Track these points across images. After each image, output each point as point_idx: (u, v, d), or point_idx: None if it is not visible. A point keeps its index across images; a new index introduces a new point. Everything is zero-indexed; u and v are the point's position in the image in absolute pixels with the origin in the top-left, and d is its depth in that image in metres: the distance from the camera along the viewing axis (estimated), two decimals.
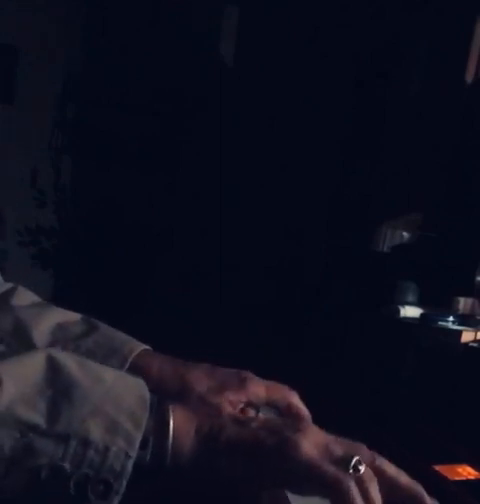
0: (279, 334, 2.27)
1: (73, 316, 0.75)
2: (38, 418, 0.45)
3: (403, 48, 2.13)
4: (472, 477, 0.73)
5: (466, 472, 0.74)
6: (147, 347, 0.73)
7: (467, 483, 0.72)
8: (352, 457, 0.50)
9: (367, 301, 1.81)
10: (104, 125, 3.26)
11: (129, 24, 3.12)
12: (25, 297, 0.77)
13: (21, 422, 0.45)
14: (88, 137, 3.37)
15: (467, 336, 1.36)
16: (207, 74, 2.84)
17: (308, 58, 2.42)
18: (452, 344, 1.34)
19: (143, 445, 0.47)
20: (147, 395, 0.49)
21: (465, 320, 1.48)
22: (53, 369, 0.48)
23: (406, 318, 1.56)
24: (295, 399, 0.70)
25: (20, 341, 0.69)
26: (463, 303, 1.60)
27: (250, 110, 2.63)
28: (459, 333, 1.37)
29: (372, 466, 0.51)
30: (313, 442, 0.50)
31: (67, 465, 0.45)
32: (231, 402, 0.66)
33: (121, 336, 0.73)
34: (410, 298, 1.71)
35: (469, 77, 1.91)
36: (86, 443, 0.45)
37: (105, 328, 0.73)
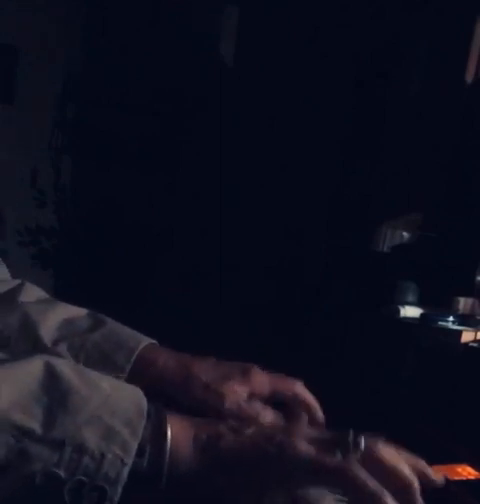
0: (279, 334, 2.27)
1: (80, 311, 0.75)
2: (33, 424, 0.45)
3: (403, 48, 2.13)
4: (472, 477, 0.73)
5: (466, 472, 0.74)
6: (154, 341, 0.73)
7: (467, 483, 0.72)
8: (347, 434, 0.50)
9: (367, 301, 1.81)
10: (104, 125, 3.26)
11: (129, 24, 3.12)
12: (32, 293, 0.77)
13: (16, 427, 0.44)
14: (88, 137, 3.37)
15: (467, 336, 1.36)
16: (207, 74, 2.84)
17: (308, 58, 2.42)
18: (452, 344, 1.35)
19: (140, 453, 0.46)
20: (144, 403, 0.49)
21: (465, 320, 1.48)
22: (50, 376, 0.48)
23: (406, 318, 1.56)
24: (301, 389, 0.70)
25: (27, 337, 0.69)
26: (463, 303, 1.61)
27: (250, 110, 2.63)
28: (459, 333, 1.37)
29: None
30: (308, 438, 0.50)
31: (62, 471, 0.44)
32: (235, 392, 0.66)
33: (128, 330, 0.73)
34: (410, 298, 1.72)
35: (469, 77, 1.91)
36: (81, 450, 0.45)
37: (112, 323, 0.73)
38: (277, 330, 2.32)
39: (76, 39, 3.41)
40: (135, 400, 0.49)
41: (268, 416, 0.68)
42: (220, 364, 0.70)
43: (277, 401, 0.70)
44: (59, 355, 0.67)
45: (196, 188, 2.89)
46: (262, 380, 0.69)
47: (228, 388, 0.66)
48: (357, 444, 0.49)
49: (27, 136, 3.27)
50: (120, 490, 0.45)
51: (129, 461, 0.45)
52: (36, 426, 0.45)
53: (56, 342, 0.69)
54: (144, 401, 0.49)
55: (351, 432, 0.50)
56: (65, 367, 0.49)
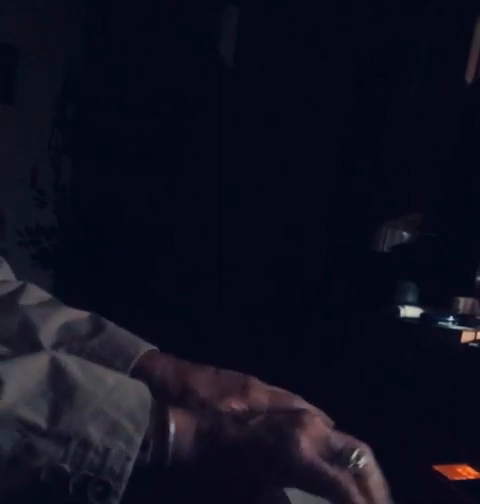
0: (279, 334, 2.27)
1: (81, 315, 0.74)
2: (39, 419, 0.45)
3: (403, 48, 2.13)
4: (472, 477, 0.73)
5: (466, 472, 0.74)
6: (154, 348, 0.72)
7: (467, 483, 0.72)
8: (352, 450, 0.50)
9: (367, 301, 1.81)
10: (104, 125, 3.26)
11: (129, 24, 3.12)
12: (34, 295, 0.77)
13: (22, 422, 0.45)
14: (88, 137, 3.37)
15: (467, 336, 1.36)
16: (207, 74, 2.85)
17: (308, 58, 2.42)
18: (452, 344, 1.34)
19: (143, 447, 0.47)
20: (148, 398, 0.50)
21: (465, 320, 1.48)
22: (55, 371, 0.48)
23: (406, 318, 1.56)
24: (299, 404, 0.69)
25: (26, 340, 0.68)
26: (463, 303, 1.61)
27: (250, 110, 2.63)
28: (459, 333, 1.37)
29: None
30: (313, 437, 0.50)
31: (67, 466, 0.45)
32: (232, 409, 0.65)
33: (128, 336, 0.72)
34: (410, 298, 1.71)
35: (469, 77, 1.91)
36: (86, 444, 0.45)
37: (112, 328, 0.73)
38: (277, 330, 2.32)
39: (76, 39, 3.41)
40: (139, 395, 0.50)
41: None
42: (219, 376, 0.69)
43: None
44: None
45: (196, 188, 2.89)
46: (261, 396, 0.68)
47: (225, 405, 0.65)
48: (358, 463, 0.50)
49: (27, 136, 3.27)
50: (124, 484, 0.46)
51: (133, 456, 0.46)
52: (42, 421, 0.45)
53: (55, 346, 0.69)
54: (148, 396, 0.50)
55: (357, 450, 0.50)
56: (70, 362, 0.49)
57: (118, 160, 3.23)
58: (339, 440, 0.51)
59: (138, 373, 0.67)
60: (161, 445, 0.48)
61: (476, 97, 1.89)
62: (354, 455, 0.50)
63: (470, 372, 1.19)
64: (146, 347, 0.71)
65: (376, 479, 0.51)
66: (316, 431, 0.51)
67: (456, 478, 0.72)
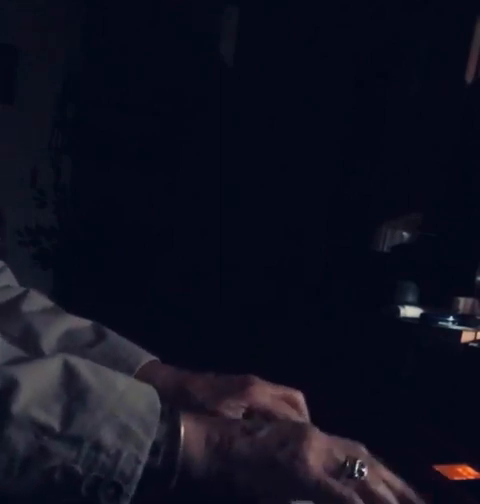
0: (279, 334, 2.27)
1: (83, 323, 0.75)
2: (53, 421, 0.46)
3: (403, 48, 2.13)
4: (472, 477, 0.73)
5: (466, 472, 0.74)
6: (154, 358, 0.73)
7: (467, 483, 0.72)
8: (355, 462, 0.52)
9: (367, 301, 1.81)
10: (104, 125, 3.26)
11: (129, 24, 3.11)
12: (36, 302, 0.77)
13: (36, 424, 0.46)
14: (88, 137, 3.37)
15: (467, 336, 1.36)
16: (207, 74, 2.84)
17: (308, 58, 2.42)
18: (452, 344, 1.34)
19: (154, 451, 0.48)
20: (158, 403, 0.51)
21: (465, 320, 1.48)
22: (68, 374, 0.49)
23: (406, 318, 1.56)
24: (295, 414, 0.69)
25: (28, 347, 0.69)
26: (463, 303, 1.61)
27: (250, 110, 2.63)
28: (459, 333, 1.37)
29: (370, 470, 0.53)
30: (318, 451, 0.52)
31: (79, 468, 0.46)
32: (231, 408, 0.66)
33: (129, 346, 0.73)
34: (410, 298, 1.71)
35: (469, 77, 1.91)
36: (98, 447, 0.46)
37: (114, 337, 0.73)
38: (277, 330, 2.32)
39: (76, 39, 3.41)
40: (149, 400, 0.51)
41: None
42: (218, 379, 0.69)
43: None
44: None
45: (196, 188, 2.89)
46: (261, 392, 0.68)
47: (223, 406, 0.66)
48: (361, 473, 0.52)
49: (27, 136, 3.27)
50: (135, 487, 0.47)
51: (143, 459, 0.47)
52: (55, 423, 0.46)
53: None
54: (158, 400, 0.51)
55: (359, 461, 0.52)
56: (82, 365, 0.50)
57: (118, 160, 3.23)
58: (341, 451, 0.53)
59: None
60: (171, 448, 0.49)
61: (476, 97, 1.89)
62: (357, 467, 0.52)
63: (470, 372, 1.19)
64: (147, 358, 0.71)
65: (380, 488, 0.52)
66: (320, 445, 0.52)
67: (456, 478, 0.72)
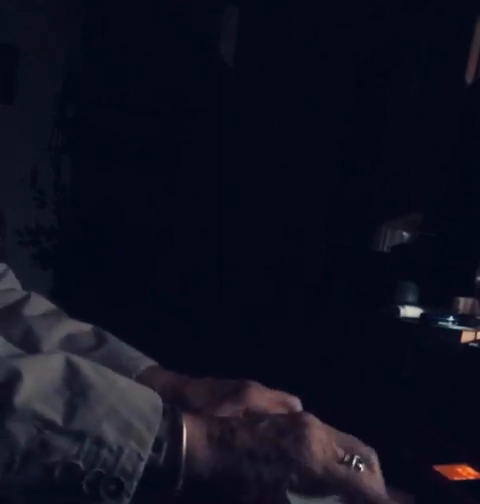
0: (279, 334, 2.27)
1: (84, 327, 0.75)
2: (55, 415, 0.46)
3: (403, 48, 2.13)
4: (472, 477, 0.73)
5: (466, 472, 0.74)
6: (153, 364, 0.73)
7: (467, 483, 0.72)
8: (353, 457, 0.53)
9: (367, 301, 1.81)
10: (104, 125, 3.26)
11: (129, 24, 3.11)
12: (38, 306, 0.77)
13: (38, 418, 0.46)
14: (88, 137, 3.37)
15: (467, 336, 1.36)
16: (207, 74, 2.84)
17: (308, 58, 2.42)
18: (452, 344, 1.34)
19: (157, 449, 0.48)
20: (160, 401, 0.51)
21: (465, 320, 1.48)
22: (70, 370, 0.49)
23: (406, 318, 1.56)
24: (296, 405, 0.70)
25: (29, 351, 0.69)
26: (463, 303, 1.61)
27: (250, 110, 2.63)
28: (459, 333, 1.37)
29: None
30: (319, 438, 0.52)
31: (81, 463, 0.46)
32: (228, 413, 0.66)
33: (129, 352, 0.73)
34: (410, 298, 1.71)
35: (469, 77, 1.91)
36: (100, 443, 0.46)
37: (114, 342, 0.74)
38: (277, 330, 2.32)
39: (76, 39, 3.41)
40: (150, 398, 0.51)
41: None
42: (216, 384, 0.70)
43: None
44: None
45: (196, 188, 2.89)
46: (259, 396, 0.68)
47: (221, 410, 0.66)
48: (358, 468, 0.53)
49: (27, 136, 3.26)
50: (136, 483, 0.47)
51: (145, 456, 0.47)
52: (57, 418, 0.46)
53: None
54: (159, 400, 0.51)
55: (357, 457, 0.53)
56: (84, 363, 0.51)
57: (118, 160, 3.23)
58: (341, 443, 0.54)
59: None
60: (174, 447, 0.49)
61: (476, 97, 1.89)
62: (355, 462, 0.53)
63: (470, 372, 1.19)
64: (146, 362, 0.72)
65: (375, 483, 0.53)
66: (320, 434, 0.53)
67: (456, 478, 0.72)
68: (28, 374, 0.47)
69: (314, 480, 0.51)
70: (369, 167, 2.23)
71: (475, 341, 1.34)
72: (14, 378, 0.46)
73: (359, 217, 2.19)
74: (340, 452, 0.53)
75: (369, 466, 0.54)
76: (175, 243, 2.98)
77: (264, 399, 0.68)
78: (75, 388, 0.48)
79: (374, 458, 0.55)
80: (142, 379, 0.69)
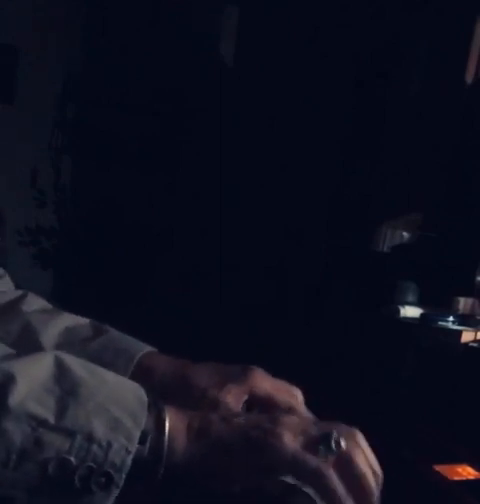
0: (279, 334, 2.27)
1: (82, 320, 0.77)
2: (47, 414, 0.49)
3: (403, 48, 2.13)
4: (472, 477, 0.73)
5: (466, 472, 0.74)
6: (153, 349, 0.74)
7: (467, 483, 0.72)
8: (330, 434, 0.53)
9: (367, 301, 1.81)
10: (104, 125, 3.26)
11: (129, 24, 3.12)
12: (36, 303, 0.79)
13: (32, 417, 0.48)
14: (88, 137, 3.37)
15: (467, 336, 1.36)
16: (207, 74, 2.84)
17: (308, 58, 2.42)
18: (452, 344, 1.35)
19: (142, 441, 0.50)
20: (145, 396, 0.53)
21: (465, 320, 1.48)
22: (60, 369, 0.51)
23: (406, 318, 1.56)
24: (297, 404, 0.70)
25: (27, 344, 0.71)
26: (463, 303, 1.61)
27: (250, 110, 2.63)
28: (459, 333, 1.37)
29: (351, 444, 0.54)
30: (293, 428, 0.53)
31: (73, 458, 0.48)
32: (233, 395, 0.66)
33: (128, 339, 0.75)
34: (410, 298, 1.72)
35: (469, 77, 1.91)
36: (90, 439, 0.49)
37: (113, 331, 0.75)
38: (277, 330, 2.32)
39: (76, 39, 3.41)
40: (137, 393, 0.53)
41: None
42: (219, 367, 0.71)
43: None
44: None
45: (196, 188, 2.89)
46: (262, 380, 0.69)
47: (225, 392, 0.67)
48: (338, 445, 0.52)
49: (27, 136, 3.27)
50: (124, 475, 0.49)
51: (133, 449, 0.50)
52: (50, 416, 0.49)
53: (57, 348, 0.70)
54: (144, 394, 0.53)
55: (334, 432, 0.53)
56: (72, 361, 0.53)
57: (118, 160, 3.23)
58: (317, 428, 0.54)
59: (140, 371, 0.70)
60: (158, 439, 0.51)
61: (476, 97, 1.89)
62: (333, 439, 0.52)
63: (470, 372, 1.19)
64: (146, 348, 0.73)
65: (362, 459, 0.53)
66: (294, 423, 0.54)
67: (456, 478, 0.72)
68: (21, 376, 0.49)
69: (283, 470, 0.52)
70: (369, 167, 2.24)
71: (475, 341, 1.34)
72: (8, 381, 0.48)
73: (359, 217, 2.19)
74: (315, 432, 0.53)
75: (352, 440, 0.54)
76: (175, 243, 2.98)
77: (267, 383, 0.69)
78: (65, 386, 0.50)
79: (356, 432, 0.55)
80: (144, 362, 0.71)
